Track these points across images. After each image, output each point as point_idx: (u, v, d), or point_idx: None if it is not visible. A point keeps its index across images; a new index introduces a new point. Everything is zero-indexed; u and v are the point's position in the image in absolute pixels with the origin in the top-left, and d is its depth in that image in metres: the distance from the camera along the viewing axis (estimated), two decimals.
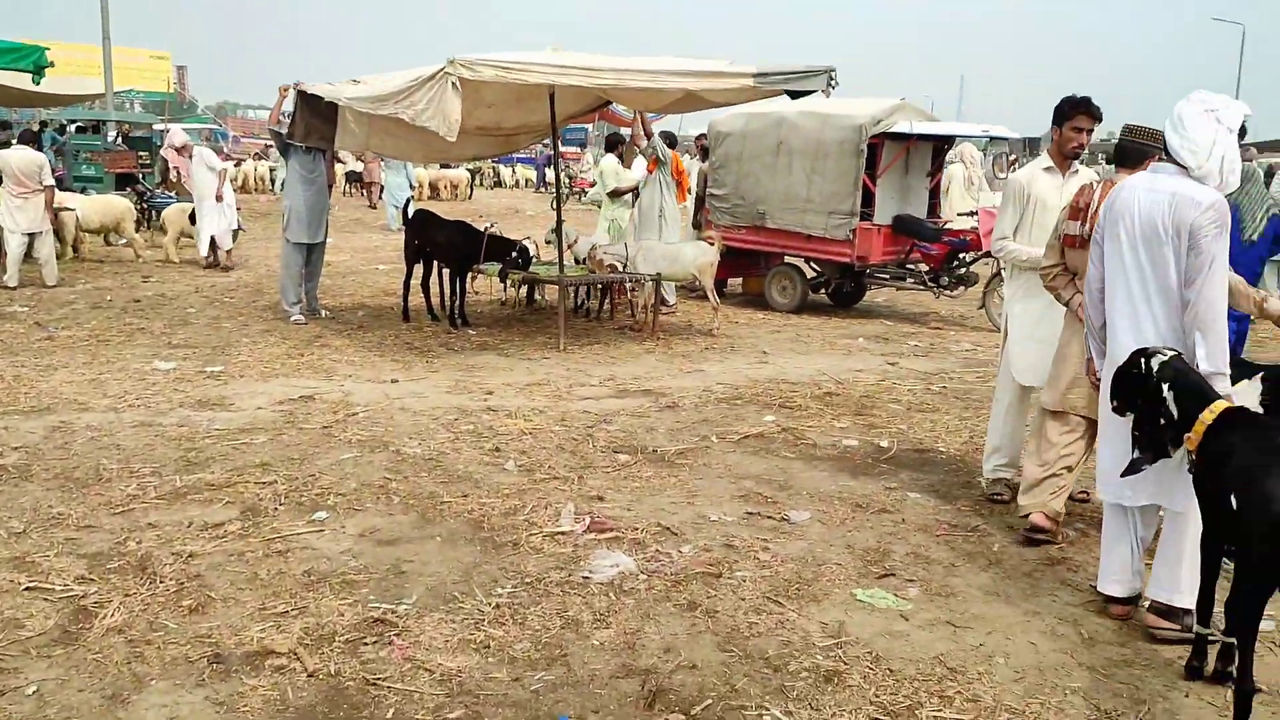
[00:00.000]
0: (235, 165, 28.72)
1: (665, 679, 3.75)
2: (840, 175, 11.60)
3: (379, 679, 3.67)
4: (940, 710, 3.59)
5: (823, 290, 13.00)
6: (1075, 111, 5.46)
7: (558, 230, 10.46)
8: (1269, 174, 12.59)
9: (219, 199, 14.06)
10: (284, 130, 10.66)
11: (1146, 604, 4.25)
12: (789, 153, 12.00)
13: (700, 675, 3.79)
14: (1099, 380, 4.42)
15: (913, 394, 8.38)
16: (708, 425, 7.17)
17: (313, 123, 9.87)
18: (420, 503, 5.44)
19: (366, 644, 3.92)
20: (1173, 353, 3.86)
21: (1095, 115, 5.47)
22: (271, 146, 23.59)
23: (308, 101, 9.75)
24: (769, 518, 5.43)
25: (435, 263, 10.84)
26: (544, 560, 4.76)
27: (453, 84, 7.74)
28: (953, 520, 5.49)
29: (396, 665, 3.78)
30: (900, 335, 11.18)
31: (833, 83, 9.25)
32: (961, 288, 12.08)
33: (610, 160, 13.02)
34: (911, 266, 12.24)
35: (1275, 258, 11.25)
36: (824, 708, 3.58)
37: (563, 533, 5.08)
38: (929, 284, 12.01)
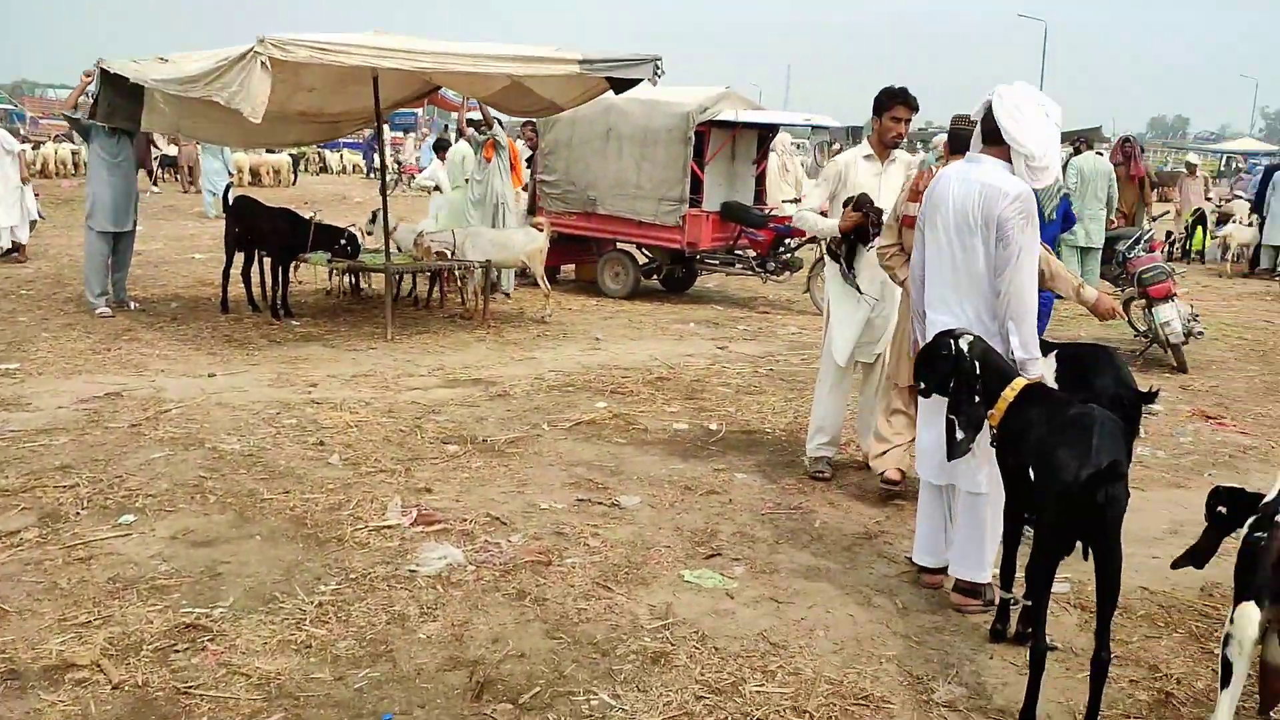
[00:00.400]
0: (34, 148, 26.89)
1: (493, 669, 3.72)
2: (669, 162, 11.73)
3: (191, 687, 3.51)
4: (763, 685, 3.68)
5: (655, 276, 13.13)
6: (893, 102, 5.67)
7: (384, 217, 10.20)
8: (1076, 152, 13.33)
9: (24, 181, 13.20)
10: (80, 115, 10.05)
11: (952, 583, 4.46)
12: (619, 139, 12.05)
13: (529, 663, 3.77)
14: None
15: (741, 377, 8.56)
16: (539, 413, 7.14)
17: (116, 102, 9.30)
18: (238, 501, 5.23)
19: (177, 651, 3.74)
20: (976, 335, 4.03)
21: (912, 105, 5.69)
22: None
23: (110, 80, 9.18)
24: (599, 504, 5.45)
25: (256, 252, 10.42)
26: (369, 555, 4.65)
27: (262, 64, 7.44)
28: (777, 499, 5.64)
29: (210, 672, 3.62)
30: (730, 320, 11.40)
31: (659, 71, 9.33)
32: (787, 273, 12.39)
33: (463, 146, 12.75)
34: (740, 252, 12.49)
35: (1073, 241, 12.02)
36: (651, 689, 3.62)
37: (389, 526, 4.98)
38: (757, 269, 12.28)
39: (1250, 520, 2.82)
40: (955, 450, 3.93)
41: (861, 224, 5.71)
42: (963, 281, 4.24)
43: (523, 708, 3.49)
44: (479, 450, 6.26)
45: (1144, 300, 9.61)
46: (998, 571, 4.14)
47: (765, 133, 12.99)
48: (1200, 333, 9.63)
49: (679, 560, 4.77)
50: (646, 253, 12.92)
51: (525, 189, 12.72)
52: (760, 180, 13.20)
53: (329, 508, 5.18)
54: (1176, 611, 4.41)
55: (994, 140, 4.16)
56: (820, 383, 6.13)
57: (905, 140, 6.02)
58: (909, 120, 5.77)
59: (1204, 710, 3.53)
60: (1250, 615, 2.61)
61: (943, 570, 4.56)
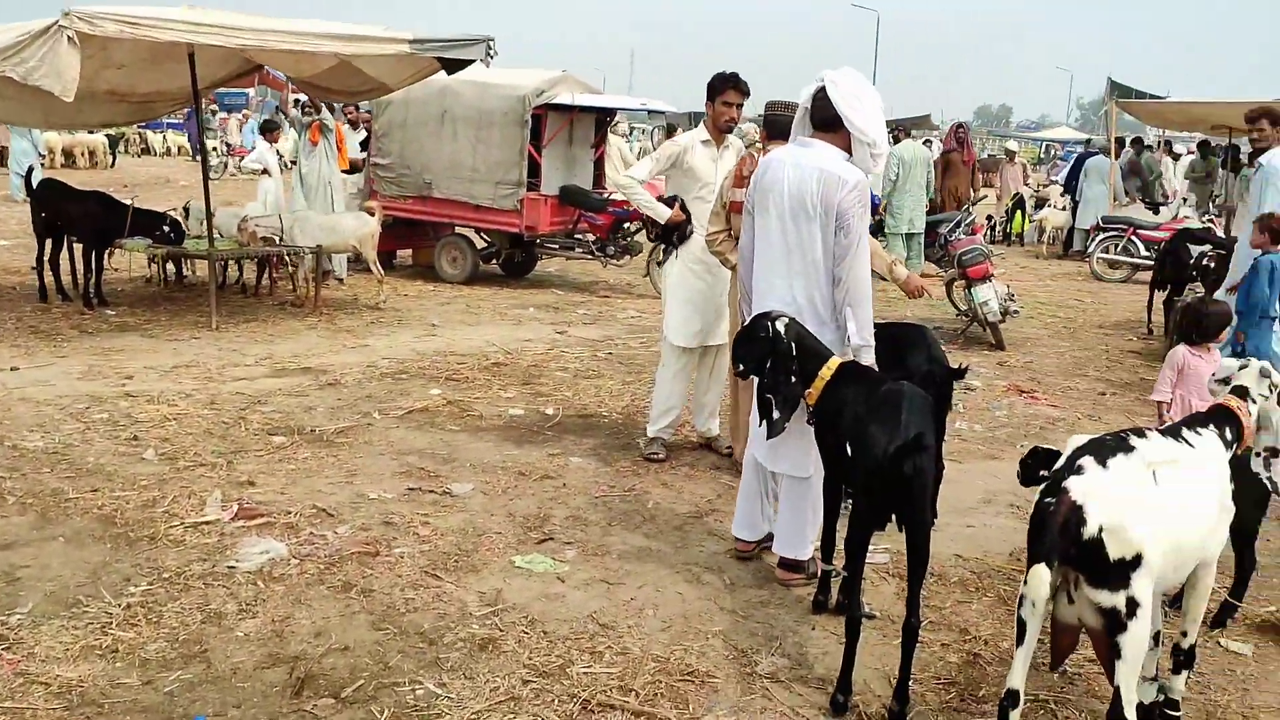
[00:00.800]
0: None
1: (315, 664, 3.61)
2: (505, 145, 11.61)
3: None
4: (591, 666, 3.69)
5: (494, 260, 13.00)
6: (725, 87, 5.74)
7: (206, 200, 9.76)
8: (896, 140, 13.79)
9: None
10: None
11: (778, 559, 4.56)
12: (454, 121, 11.85)
13: (352, 656, 3.69)
14: None
15: (580, 361, 8.55)
16: (371, 401, 6.98)
17: None
18: (40, 501, 4.93)
19: None
20: (790, 317, 4.10)
21: (744, 90, 5.77)
22: None
23: None
24: (431, 492, 5.36)
25: (66, 238, 9.83)
26: (185, 553, 4.45)
27: (69, 38, 7.01)
28: (612, 482, 5.66)
29: (5, 682, 3.41)
30: (570, 304, 11.38)
31: (491, 52, 9.20)
32: (627, 256, 12.44)
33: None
34: (580, 236, 12.48)
35: (896, 228, 12.47)
36: (478, 675, 3.59)
37: (207, 522, 4.78)
38: (596, 253, 12.30)
39: (1042, 487, 2.97)
40: (772, 429, 4.01)
41: (681, 224, 5.81)
42: (796, 267, 4.24)
43: (345, 701, 3.41)
44: (306, 441, 6.07)
45: (964, 281, 10.05)
46: (819, 545, 4.27)
47: (603, 117, 13.00)
48: (1016, 311, 10.14)
49: (510, 546, 4.74)
50: (485, 237, 12.77)
51: (352, 171, 12.33)
52: (599, 164, 13.21)
53: (141, 505, 4.94)
54: (987, 577, 4.63)
55: (829, 127, 4.16)
56: (664, 366, 6.15)
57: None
58: (741, 105, 5.85)
59: (1009, 668, 3.71)
60: (1041, 576, 2.75)
61: (760, 541, 4.66)
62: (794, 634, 4.03)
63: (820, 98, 4.15)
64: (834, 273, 4.18)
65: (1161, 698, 3.39)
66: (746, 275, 4.50)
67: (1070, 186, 18.13)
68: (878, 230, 13.95)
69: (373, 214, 10.52)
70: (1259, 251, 6.43)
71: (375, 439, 6.19)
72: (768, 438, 4.11)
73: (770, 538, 4.63)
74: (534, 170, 11.88)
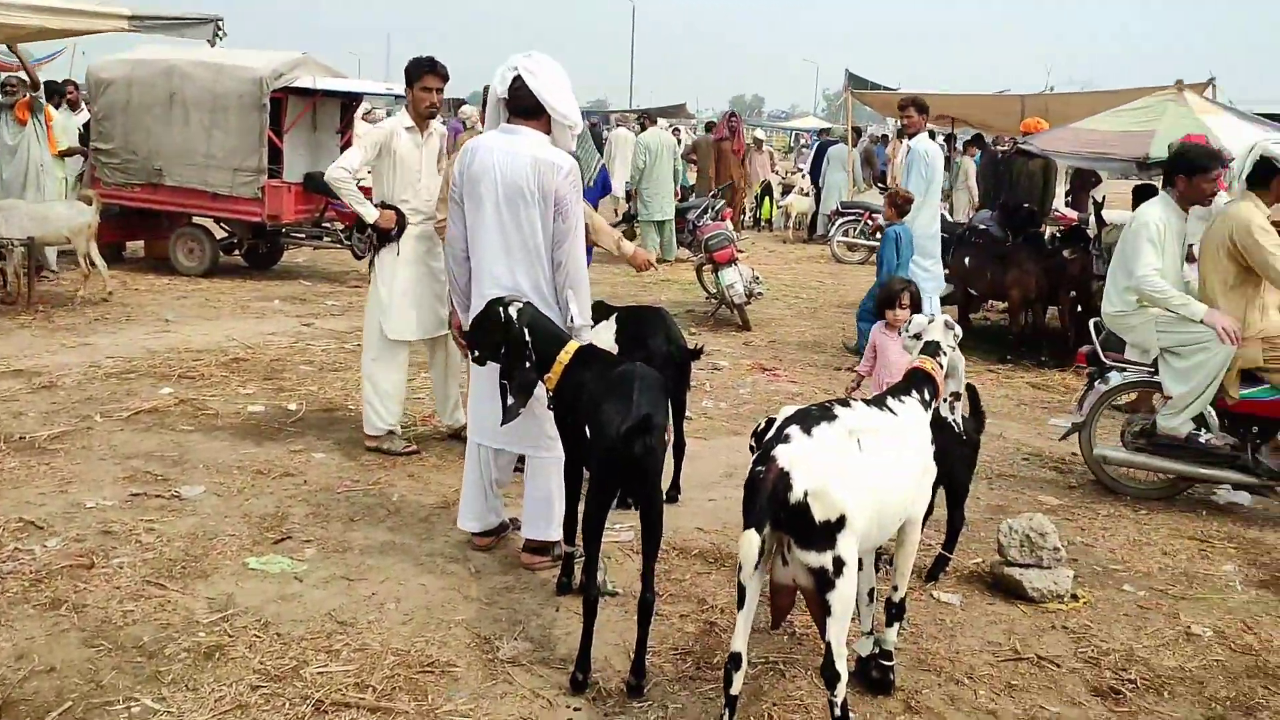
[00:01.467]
0: None
1: (15, 690, 3.33)
2: (242, 131, 11.03)
3: None
4: (326, 665, 3.57)
5: (236, 252, 12.36)
6: (422, 72, 5.66)
7: None
8: (642, 128, 14.04)
9: None
10: None
11: (523, 543, 4.56)
12: (184, 105, 11.15)
13: (59, 678, 3.42)
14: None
15: (326, 354, 8.27)
16: (92, 404, 6.49)
17: None
18: None
19: None
20: (525, 301, 4.11)
21: (442, 75, 5.71)
22: None
23: None
24: (158, 497, 5.05)
25: None
26: None
27: None
28: (356, 476, 5.50)
29: None
30: (318, 295, 10.98)
31: (220, 33, 8.72)
32: None
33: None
34: (328, 225, 12.04)
35: (648, 216, 12.68)
36: (202, 686, 3.41)
37: None
38: (345, 242, 11.89)
39: (754, 457, 3.09)
40: (507, 415, 4.01)
41: (390, 228, 5.73)
42: (516, 254, 4.24)
43: None
44: (14, 449, 5.58)
45: (711, 265, 10.39)
46: (562, 528, 4.30)
47: (349, 102, 12.58)
48: (760, 293, 10.57)
49: (245, 548, 4.52)
50: (224, 227, 12.11)
51: (65, 155, 11.35)
52: (345, 151, 12.77)
53: None
54: (726, 550, 4.79)
55: (531, 114, 4.19)
56: (376, 360, 5.92)
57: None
58: (440, 90, 5.77)
59: None
60: (751, 541, 2.87)
61: (494, 532, 4.65)
62: (538, 617, 4.04)
63: (519, 87, 4.17)
64: (554, 257, 4.23)
65: (877, 650, 3.61)
66: (459, 266, 4.43)
67: (814, 174, 19.04)
68: (631, 219, 14.23)
69: (90, 203, 9.75)
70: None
71: (96, 443, 5.76)
72: (502, 423, 4.09)
73: (504, 527, 4.63)
74: (275, 156, 11.36)
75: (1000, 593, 4.40)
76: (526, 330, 3.98)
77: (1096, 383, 5.83)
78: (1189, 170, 5.50)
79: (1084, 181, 15.45)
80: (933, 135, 14.06)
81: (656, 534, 3.56)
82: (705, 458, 6.02)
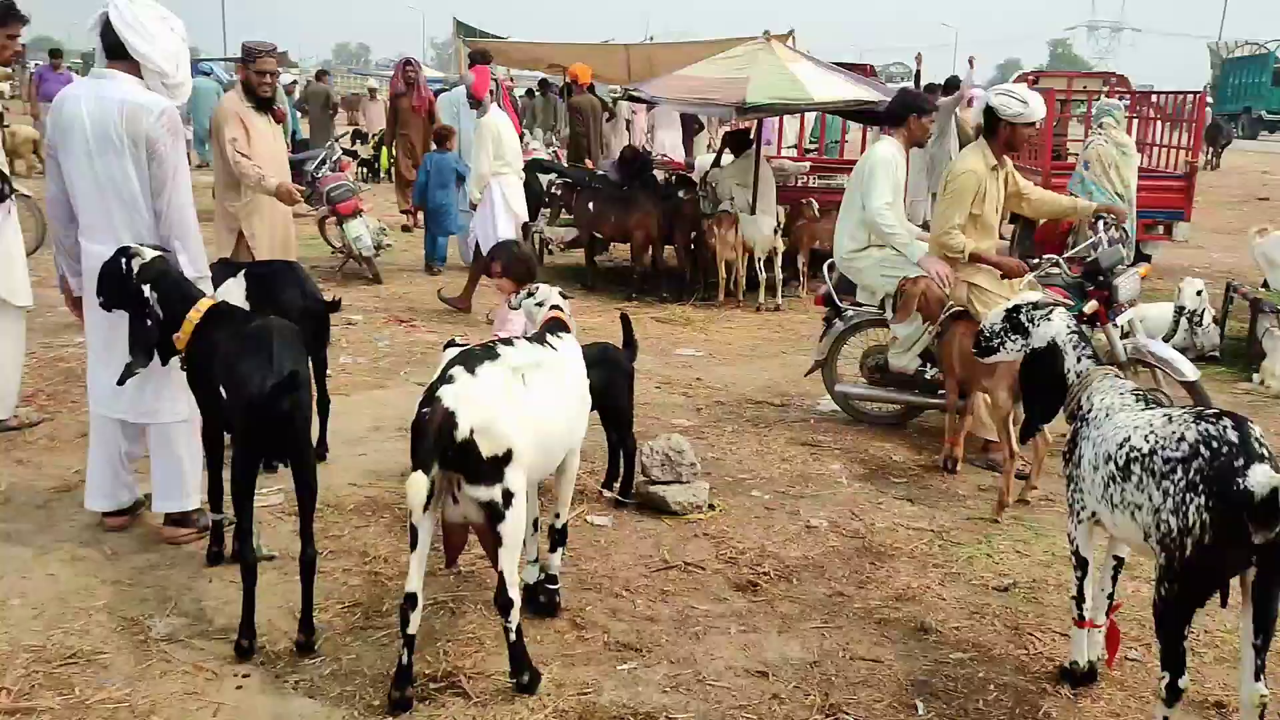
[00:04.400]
0: None
1: None
2: None
3: None
4: None
5: None
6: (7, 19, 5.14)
7: None
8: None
9: None
10: None
11: (161, 519, 4.30)
12: None
13: None
14: (77, 299, 4.25)
15: None
16: None
17: None
18: None
19: None
20: (156, 254, 3.86)
21: (21, 20, 5.22)
22: None
23: None
24: None
25: None
26: None
27: None
28: None
29: None
30: None
31: None
32: None
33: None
34: None
35: None
36: None
37: None
38: None
39: (420, 400, 3.11)
40: (124, 375, 3.80)
41: None
42: (114, 207, 4.00)
43: None
44: None
45: (335, 217, 10.08)
46: (207, 497, 4.09)
47: None
48: (388, 245, 10.40)
49: None
50: None
51: None
52: None
53: None
54: (382, 501, 4.76)
55: (120, 55, 3.96)
56: (15, 339, 5.39)
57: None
58: (18, 35, 5.26)
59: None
60: (419, 482, 2.91)
61: (127, 510, 4.36)
62: (189, 591, 3.84)
63: (106, 25, 3.93)
64: (154, 207, 4.02)
65: (543, 575, 3.78)
66: (63, 226, 4.15)
67: None
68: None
69: None
70: None
71: None
72: (118, 382, 3.85)
73: (139, 504, 4.36)
74: None
75: (647, 511, 4.73)
76: (149, 286, 3.74)
77: (836, 322, 6.13)
78: (920, 111, 5.91)
79: (687, 127, 16.54)
80: (546, 83, 14.34)
81: (311, 489, 3.48)
82: (350, 413, 5.91)
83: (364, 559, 4.16)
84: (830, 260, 6.26)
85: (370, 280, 9.98)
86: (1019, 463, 5.03)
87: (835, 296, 6.16)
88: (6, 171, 5.33)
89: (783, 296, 9.49)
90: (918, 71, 11.62)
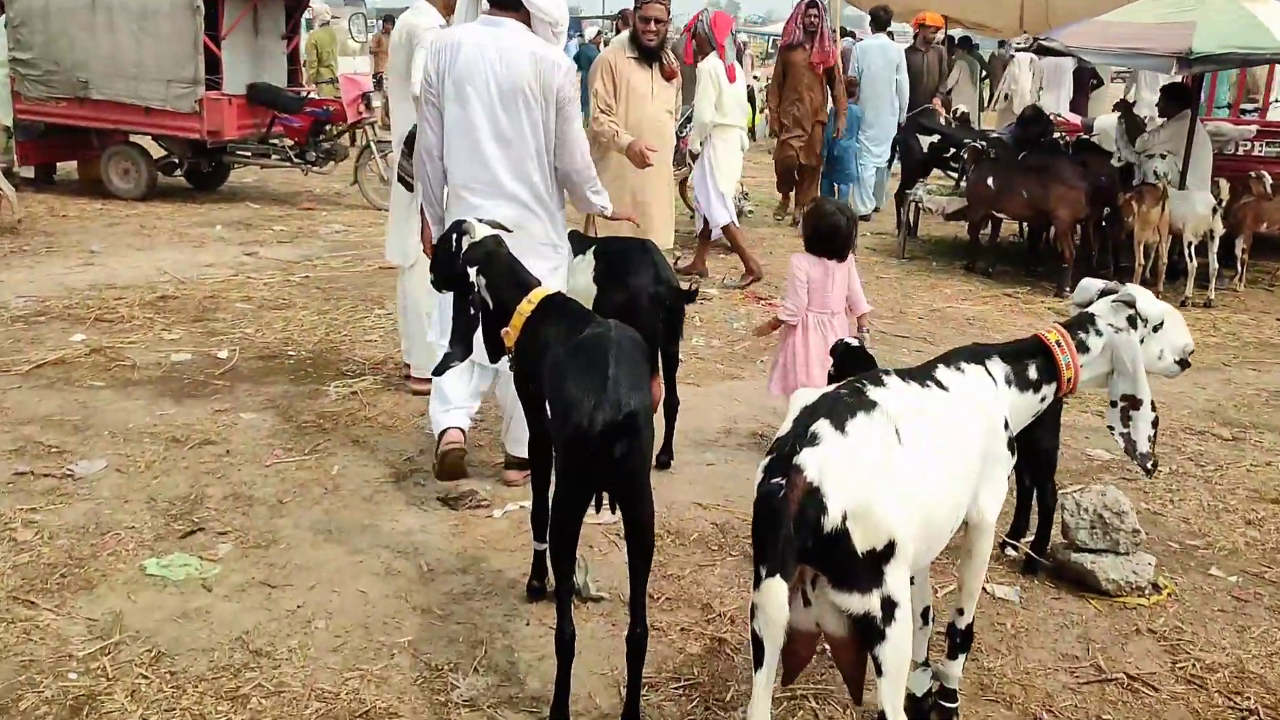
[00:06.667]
0: None
1: None
2: (176, 36, 9.89)
3: None
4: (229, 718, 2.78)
5: (177, 172, 11.30)
6: None
7: None
8: None
9: None
10: None
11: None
12: (109, 9, 9.99)
13: None
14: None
15: (269, 289, 7.33)
16: None
17: None
18: None
19: None
20: (490, 232, 3.27)
21: None
22: None
23: None
24: (47, 476, 4.20)
25: None
26: None
27: None
28: (289, 444, 4.65)
29: None
30: (265, 220, 9.97)
31: None
32: (331, 162, 11.09)
33: None
34: (275, 142, 11.00)
35: None
36: None
37: None
38: (295, 160, 10.87)
39: (763, 463, 2.24)
40: (440, 367, 3.36)
41: None
42: (512, 161, 3.84)
43: None
44: None
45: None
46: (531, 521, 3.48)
47: (294, 4, 11.41)
48: (750, 211, 9.64)
49: (145, 545, 3.69)
50: (163, 145, 11.03)
51: None
52: (294, 58, 11.67)
53: None
54: (731, 529, 3.99)
55: (509, 4, 3.80)
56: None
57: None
58: None
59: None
60: (777, 593, 2.05)
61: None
62: (503, 635, 3.24)
63: None
64: (558, 162, 3.91)
65: (936, 685, 2.83)
66: (436, 176, 3.93)
67: None
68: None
69: None
70: None
71: None
72: (434, 374, 3.56)
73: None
74: (215, 67, 10.26)
75: (1065, 583, 3.64)
76: (475, 270, 3.14)
77: None
78: None
79: (1081, 83, 14.46)
80: (891, 35, 12.67)
81: (646, 549, 2.71)
82: (699, 408, 5.20)
83: (706, 615, 3.38)
84: None
85: (729, 249, 9.26)
86: None
87: None
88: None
89: (1215, 290, 7.83)
90: None
